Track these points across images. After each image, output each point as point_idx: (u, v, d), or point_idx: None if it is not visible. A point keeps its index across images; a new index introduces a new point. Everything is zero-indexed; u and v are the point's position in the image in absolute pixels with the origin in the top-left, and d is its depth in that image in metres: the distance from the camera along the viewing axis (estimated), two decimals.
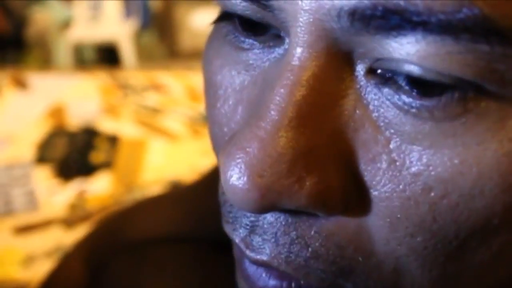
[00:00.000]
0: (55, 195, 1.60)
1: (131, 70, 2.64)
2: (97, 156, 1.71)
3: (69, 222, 1.52)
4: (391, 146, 0.18)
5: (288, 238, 0.20)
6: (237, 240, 0.21)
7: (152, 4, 3.55)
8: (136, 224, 0.39)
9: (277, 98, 0.18)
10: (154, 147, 1.74)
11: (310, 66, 0.18)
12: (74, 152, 1.73)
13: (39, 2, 3.20)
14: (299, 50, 0.18)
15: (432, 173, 0.17)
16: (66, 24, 3.11)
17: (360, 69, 0.18)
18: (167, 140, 1.77)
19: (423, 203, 0.18)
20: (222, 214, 0.22)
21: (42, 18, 3.15)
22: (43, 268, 1.28)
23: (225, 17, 0.22)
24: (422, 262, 0.19)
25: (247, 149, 0.18)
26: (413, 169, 0.18)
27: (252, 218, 0.21)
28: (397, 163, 0.18)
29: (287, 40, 0.19)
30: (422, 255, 0.19)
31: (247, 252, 0.21)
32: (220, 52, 0.22)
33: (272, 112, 0.18)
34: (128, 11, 3.19)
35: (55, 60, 3.07)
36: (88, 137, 1.80)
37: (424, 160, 0.17)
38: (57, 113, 1.92)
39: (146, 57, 3.24)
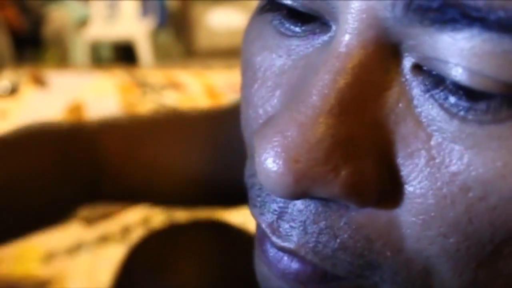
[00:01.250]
0: None
1: (149, 68, 2.64)
2: None
3: (89, 219, 1.52)
4: (432, 142, 0.17)
5: (317, 227, 0.19)
6: (263, 225, 0.21)
7: (169, 3, 3.56)
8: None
9: (320, 83, 0.17)
10: None
11: (357, 54, 0.17)
12: None
13: (56, 1, 3.21)
14: (347, 37, 0.17)
15: (473, 173, 0.17)
16: (83, 23, 3.13)
17: (407, 62, 0.17)
18: None
19: (460, 203, 0.17)
20: (249, 197, 0.22)
21: (59, 16, 3.16)
22: (63, 265, 1.29)
23: (271, 7, 0.21)
24: (453, 265, 0.18)
25: (285, 133, 0.17)
26: (453, 168, 0.17)
27: (281, 204, 0.20)
28: (437, 160, 0.17)
29: (333, 28, 0.19)
30: (454, 257, 0.18)
31: (274, 238, 0.20)
32: (263, 34, 0.22)
33: (314, 98, 0.17)
34: (145, 10, 3.20)
35: (72, 58, 3.08)
36: None
37: (465, 160, 0.17)
38: (76, 110, 1.92)
39: (162, 56, 3.25)
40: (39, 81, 2.14)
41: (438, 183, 0.17)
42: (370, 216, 0.19)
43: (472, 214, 0.17)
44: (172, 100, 1.97)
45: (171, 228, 0.40)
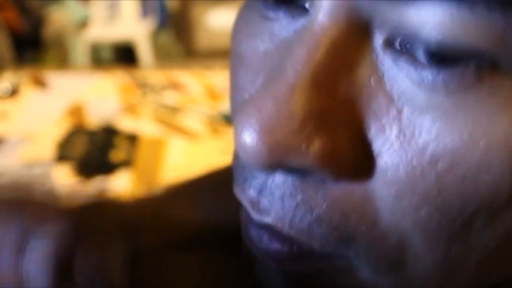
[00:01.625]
0: (75, 193, 1.60)
1: (149, 69, 2.64)
2: (117, 154, 1.71)
3: None
4: (402, 116, 0.18)
5: (294, 201, 0.20)
6: (245, 202, 0.21)
7: (169, 3, 3.56)
8: (174, 218, 0.40)
9: (294, 60, 0.18)
10: (173, 146, 1.73)
11: (330, 33, 0.18)
12: (94, 151, 1.74)
13: (56, 2, 3.22)
14: (320, 16, 0.18)
15: (441, 144, 0.17)
16: (83, 24, 3.13)
17: (378, 39, 0.18)
18: (186, 139, 1.77)
19: (429, 174, 0.18)
20: (234, 176, 0.23)
21: (59, 17, 3.17)
22: None
23: None
24: (426, 239, 0.19)
25: (261, 108, 0.18)
26: (422, 140, 0.18)
27: (261, 180, 0.21)
28: (407, 133, 0.18)
29: (312, 11, 0.19)
30: (426, 230, 0.19)
31: (253, 214, 0.21)
32: (248, 21, 0.23)
33: (288, 74, 0.18)
34: (145, 11, 3.20)
35: (73, 59, 3.08)
36: (108, 135, 1.80)
37: (434, 131, 0.17)
38: (76, 111, 1.93)
39: (163, 57, 3.25)
40: (39, 83, 2.14)
41: (408, 155, 0.18)
42: (346, 190, 0.19)
43: (441, 185, 0.18)
44: (172, 100, 1.97)
45: (170, 246, 0.40)
